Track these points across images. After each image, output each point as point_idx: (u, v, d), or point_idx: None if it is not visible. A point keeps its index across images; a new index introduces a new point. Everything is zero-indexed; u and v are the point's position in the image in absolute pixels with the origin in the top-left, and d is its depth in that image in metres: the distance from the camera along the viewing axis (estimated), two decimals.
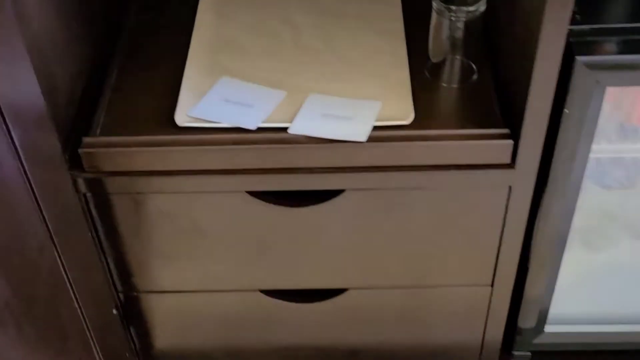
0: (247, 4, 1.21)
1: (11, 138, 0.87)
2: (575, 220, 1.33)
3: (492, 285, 1.18)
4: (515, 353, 1.33)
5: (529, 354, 1.34)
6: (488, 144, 1.00)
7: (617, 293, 1.34)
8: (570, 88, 0.96)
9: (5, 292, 0.86)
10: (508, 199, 1.05)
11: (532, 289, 1.22)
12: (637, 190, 1.29)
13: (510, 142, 0.99)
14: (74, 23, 1.07)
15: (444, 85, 1.09)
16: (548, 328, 1.30)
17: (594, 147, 1.12)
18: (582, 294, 1.34)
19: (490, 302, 1.21)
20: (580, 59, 0.93)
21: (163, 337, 1.29)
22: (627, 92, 1.12)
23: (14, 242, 0.89)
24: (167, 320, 1.26)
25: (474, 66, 1.10)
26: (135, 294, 1.20)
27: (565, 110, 0.98)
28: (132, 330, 1.27)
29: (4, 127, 0.86)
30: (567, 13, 0.87)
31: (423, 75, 1.10)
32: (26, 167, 0.90)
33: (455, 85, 1.09)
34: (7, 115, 0.86)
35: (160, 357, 1.32)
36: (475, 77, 1.09)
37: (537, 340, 1.31)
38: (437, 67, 1.10)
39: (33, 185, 0.92)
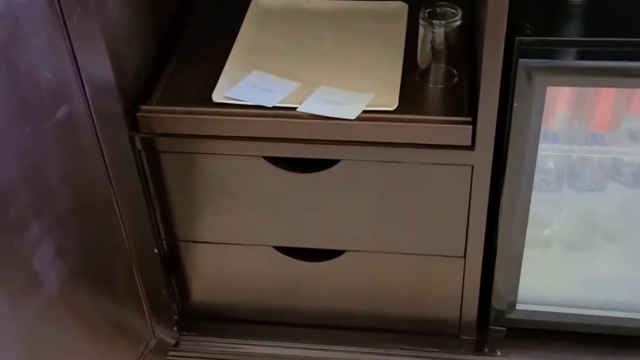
0: (283, 19, 1.52)
1: (87, 102, 1.18)
2: (552, 222, 1.55)
3: (464, 257, 1.41)
4: (492, 327, 1.55)
5: (504, 329, 1.55)
6: (453, 128, 1.26)
7: (590, 284, 1.54)
8: (517, 85, 1.21)
9: (66, 200, 1.16)
10: (472, 177, 1.30)
11: (500, 271, 1.44)
12: (606, 193, 1.50)
13: (469, 127, 1.25)
14: (144, 18, 1.39)
15: (430, 86, 1.36)
16: (520, 306, 1.51)
17: (550, 145, 1.36)
18: (556, 281, 1.54)
19: (464, 272, 1.43)
20: (522, 61, 1.18)
21: (197, 287, 1.57)
22: (584, 102, 1.35)
23: (80, 167, 1.20)
24: (199, 270, 1.53)
25: (454, 71, 1.35)
26: (175, 242, 1.49)
27: (515, 104, 1.23)
28: (172, 278, 1.56)
29: (84, 93, 1.18)
30: (502, 30, 1.13)
31: (414, 78, 1.37)
32: (95, 123, 1.20)
33: (439, 86, 1.36)
34: (86, 85, 1.16)
35: (195, 306, 1.61)
36: (456, 79, 1.35)
37: (511, 316, 1.51)
38: (425, 73, 1.37)
39: (99, 136, 1.22)
